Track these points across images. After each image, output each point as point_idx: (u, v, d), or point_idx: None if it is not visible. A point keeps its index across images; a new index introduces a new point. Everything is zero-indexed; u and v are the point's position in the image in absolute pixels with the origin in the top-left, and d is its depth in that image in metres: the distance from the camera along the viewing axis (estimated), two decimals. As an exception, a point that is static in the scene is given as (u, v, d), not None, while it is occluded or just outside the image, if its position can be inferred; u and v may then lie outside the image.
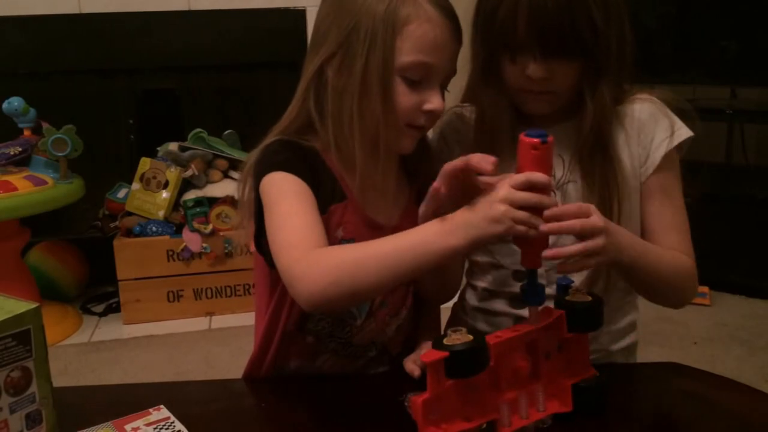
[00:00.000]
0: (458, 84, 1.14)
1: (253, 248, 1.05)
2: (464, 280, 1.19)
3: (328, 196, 1.00)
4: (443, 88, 1.01)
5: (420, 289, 1.12)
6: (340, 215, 1.01)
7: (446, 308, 1.22)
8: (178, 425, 0.88)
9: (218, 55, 3.00)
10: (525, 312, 1.08)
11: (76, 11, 2.85)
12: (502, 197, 0.81)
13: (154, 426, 0.88)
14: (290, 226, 0.93)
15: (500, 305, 1.12)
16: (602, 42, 0.98)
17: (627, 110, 1.08)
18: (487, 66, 1.04)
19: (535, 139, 0.83)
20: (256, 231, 1.01)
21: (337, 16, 0.97)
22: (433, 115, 0.99)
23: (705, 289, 2.74)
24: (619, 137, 1.06)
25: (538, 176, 0.82)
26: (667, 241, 1.07)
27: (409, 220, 1.03)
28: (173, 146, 2.83)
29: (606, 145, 1.04)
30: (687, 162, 1.10)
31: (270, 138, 1.03)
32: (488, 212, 0.81)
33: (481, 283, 1.14)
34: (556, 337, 0.89)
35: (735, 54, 2.89)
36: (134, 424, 0.88)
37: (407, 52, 0.94)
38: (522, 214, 0.80)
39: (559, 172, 1.06)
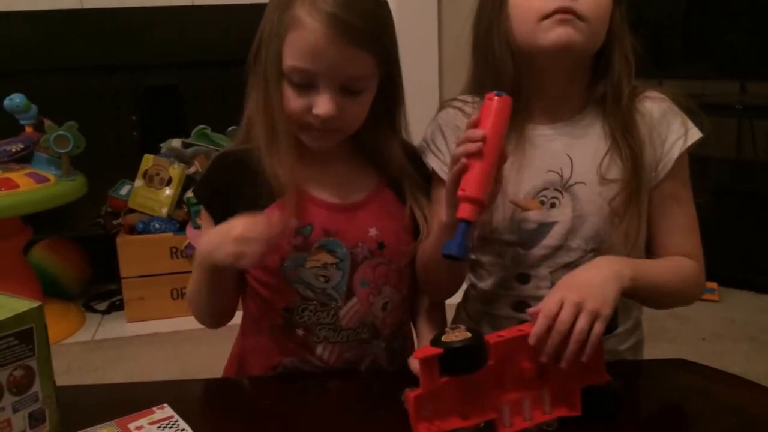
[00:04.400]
0: (458, 79, 1.13)
1: None
2: (468, 282, 1.18)
3: (267, 196, 1.03)
4: (354, 92, 1.00)
5: (422, 282, 1.12)
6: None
7: (449, 306, 1.21)
8: (182, 424, 0.88)
9: (222, 50, 2.97)
10: (528, 317, 1.07)
11: (77, 6, 2.85)
12: (235, 236, 0.93)
13: (158, 425, 0.88)
14: None
15: (504, 309, 1.11)
16: None
17: (639, 108, 1.06)
18: (496, 11, 1.03)
19: (491, 92, 0.91)
20: None
21: (265, 15, 1.03)
22: (321, 120, 0.99)
23: (714, 285, 2.73)
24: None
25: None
26: (676, 243, 1.07)
27: (376, 200, 1.08)
28: (176, 143, 2.82)
29: (631, 113, 1.05)
30: (696, 158, 1.08)
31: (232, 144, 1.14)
32: (223, 241, 0.94)
33: (485, 285, 1.13)
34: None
35: (744, 49, 2.88)
36: (138, 423, 0.88)
37: (289, 57, 0.98)
38: (249, 251, 0.92)
39: (566, 172, 1.05)
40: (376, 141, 1.08)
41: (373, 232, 1.06)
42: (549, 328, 0.85)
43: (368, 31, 0.97)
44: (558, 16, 0.96)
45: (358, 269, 1.06)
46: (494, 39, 1.03)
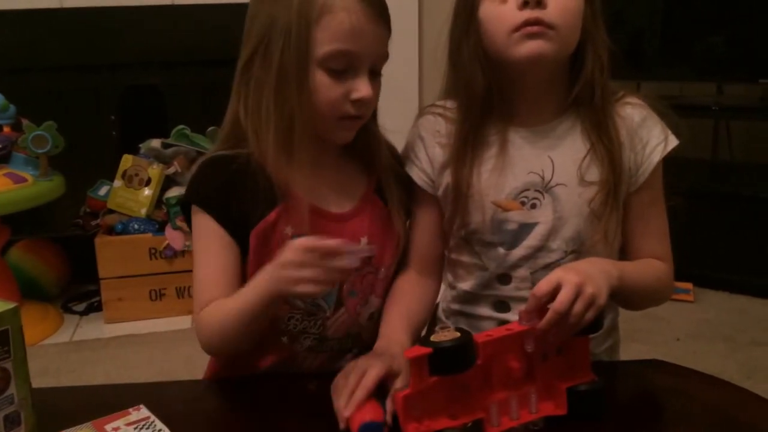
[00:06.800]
0: (437, 85, 1.14)
1: None
2: (447, 282, 1.18)
3: (264, 202, 1.00)
4: (377, 73, 1.01)
5: None
6: (286, 215, 1.01)
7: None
8: (159, 424, 0.87)
9: (202, 50, 2.98)
10: (508, 316, 1.08)
11: (57, 6, 2.83)
12: (281, 262, 0.88)
13: (135, 426, 0.87)
14: (196, 279, 1.03)
15: (484, 309, 1.12)
16: None
17: (620, 112, 1.07)
18: (467, 26, 1.03)
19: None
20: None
21: (259, 11, 0.99)
22: (362, 104, 0.99)
23: (689, 285, 2.76)
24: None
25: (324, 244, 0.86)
26: (651, 247, 1.08)
27: (367, 208, 1.07)
28: (156, 143, 2.80)
29: (609, 116, 1.04)
30: (672, 159, 1.09)
31: (213, 148, 1.07)
32: (276, 270, 0.89)
33: (464, 286, 1.13)
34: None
35: (721, 50, 2.91)
36: (114, 424, 0.87)
37: (326, 43, 0.95)
38: (297, 275, 0.85)
39: (548, 173, 1.06)
40: (367, 140, 1.08)
41: (364, 241, 1.06)
42: (544, 304, 0.85)
43: (387, 10, 1.00)
44: (527, 29, 0.96)
45: (348, 279, 1.05)
46: (464, 52, 1.04)
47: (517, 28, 0.97)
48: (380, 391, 0.88)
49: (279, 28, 0.96)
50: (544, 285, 0.86)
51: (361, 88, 0.98)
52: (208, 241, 1.02)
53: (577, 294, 0.84)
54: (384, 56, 1.01)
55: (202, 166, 1.05)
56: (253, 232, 1.00)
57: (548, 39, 0.97)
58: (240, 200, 1.00)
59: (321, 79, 0.96)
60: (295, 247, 0.86)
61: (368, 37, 0.97)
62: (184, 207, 1.06)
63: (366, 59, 0.98)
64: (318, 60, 0.96)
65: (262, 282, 0.92)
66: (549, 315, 0.84)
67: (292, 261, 0.86)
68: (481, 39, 1.02)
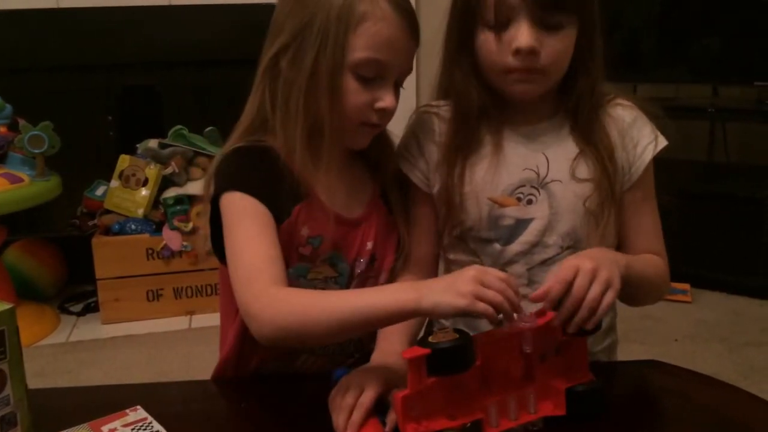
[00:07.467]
0: (430, 86, 1.14)
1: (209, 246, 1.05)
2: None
3: (290, 197, 0.99)
4: (398, 86, 1.02)
5: None
6: (305, 214, 1.00)
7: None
8: (156, 425, 0.87)
9: (200, 51, 2.98)
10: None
11: (54, 6, 2.82)
12: (473, 275, 0.82)
13: (132, 427, 0.87)
14: (246, 258, 0.94)
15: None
16: (589, 10, 0.99)
17: (611, 113, 1.08)
18: (462, 46, 1.03)
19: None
20: (212, 236, 1.02)
21: (294, 8, 0.99)
22: (385, 113, 1.00)
23: (686, 286, 2.76)
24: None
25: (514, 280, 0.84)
26: (646, 243, 1.09)
27: (374, 213, 1.07)
28: (153, 143, 2.80)
29: (598, 122, 1.05)
30: (669, 160, 1.10)
31: (231, 142, 1.04)
32: (455, 283, 0.82)
33: None
34: (552, 339, 0.88)
35: (717, 53, 2.92)
36: (111, 425, 0.87)
37: (360, 49, 0.95)
38: (489, 294, 0.81)
39: (543, 170, 1.06)
40: (380, 147, 1.08)
41: (369, 245, 1.06)
42: (563, 294, 0.85)
43: (418, 24, 1.01)
44: (519, 76, 0.99)
45: (352, 283, 1.05)
46: (456, 72, 1.05)
47: (510, 72, 0.99)
48: (380, 406, 0.88)
49: (315, 29, 0.95)
50: (568, 271, 0.86)
51: (387, 98, 0.99)
52: (255, 220, 0.96)
53: (593, 279, 0.85)
54: (409, 70, 1.02)
55: (236, 154, 1.02)
56: (281, 227, 0.98)
57: (538, 83, 1.00)
58: (278, 191, 0.99)
59: (350, 83, 0.97)
60: (485, 271, 0.84)
61: (401, 49, 0.98)
62: (214, 199, 1.00)
63: (395, 70, 0.99)
64: (350, 65, 0.96)
65: (405, 291, 0.86)
66: (568, 302, 0.84)
67: (475, 277, 0.82)
68: (476, 59, 1.03)
